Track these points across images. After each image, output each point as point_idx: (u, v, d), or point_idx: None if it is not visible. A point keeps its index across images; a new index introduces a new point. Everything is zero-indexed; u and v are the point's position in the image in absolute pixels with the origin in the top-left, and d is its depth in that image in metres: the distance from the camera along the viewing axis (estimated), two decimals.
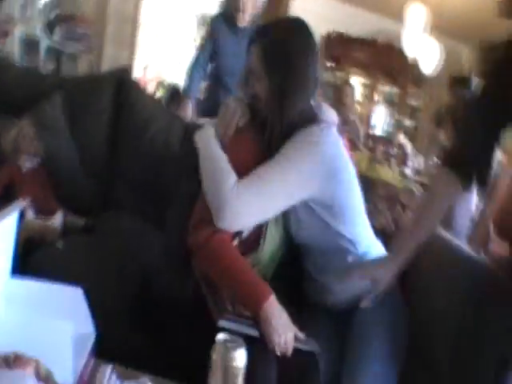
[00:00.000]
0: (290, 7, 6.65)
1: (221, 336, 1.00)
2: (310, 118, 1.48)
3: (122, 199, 2.05)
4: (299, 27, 1.52)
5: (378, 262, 1.51)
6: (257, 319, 1.35)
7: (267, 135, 1.49)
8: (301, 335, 1.37)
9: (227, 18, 3.24)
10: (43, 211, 1.76)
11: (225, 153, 1.47)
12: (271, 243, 1.54)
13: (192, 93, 3.39)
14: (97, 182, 2.08)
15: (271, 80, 1.47)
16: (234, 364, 0.98)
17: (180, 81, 4.38)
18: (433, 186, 1.55)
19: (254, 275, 1.41)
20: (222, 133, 1.51)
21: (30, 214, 1.73)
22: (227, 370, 0.98)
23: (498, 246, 2.59)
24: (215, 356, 0.98)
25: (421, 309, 1.63)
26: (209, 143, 1.49)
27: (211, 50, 3.27)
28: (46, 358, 0.90)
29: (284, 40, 1.48)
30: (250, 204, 1.39)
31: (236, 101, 1.56)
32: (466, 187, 1.45)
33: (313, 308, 1.59)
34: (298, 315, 1.44)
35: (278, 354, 1.34)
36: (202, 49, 3.33)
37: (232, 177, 1.41)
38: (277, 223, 1.54)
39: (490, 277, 1.49)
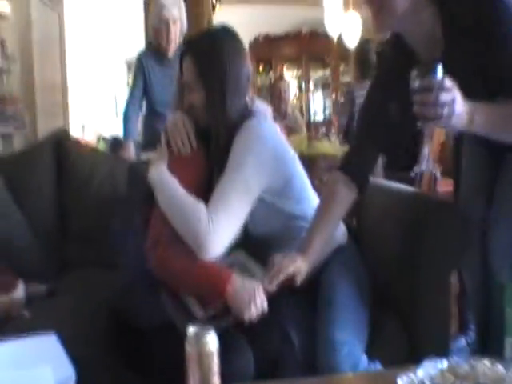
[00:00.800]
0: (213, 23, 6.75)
1: (191, 329, 1.04)
2: (247, 114, 1.55)
3: (79, 256, 2.09)
4: (225, 31, 1.60)
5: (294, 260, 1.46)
6: (226, 303, 1.39)
7: (213, 140, 1.55)
8: (269, 287, 1.40)
9: (155, 51, 3.30)
10: (4, 288, 1.78)
11: (175, 172, 1.51)
12: None
13: (132, 133, 3.42)
14: (52, 246, 2.11)
15: (208, 87, 1.53)
16: (207, 349, 1.02)
17: (118, 131, 4.38)
18: (333, 193, 1.56)
19: (212, 266, 1.46)
20: (177, 149, 1.55)
21: None
22: (202, 356, 1.02)
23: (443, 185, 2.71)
24: (189, 348, 1.03)
25: (372, 241, 1.78)
26: (164, 181, 1.52)
27: (143, 85, 3.31)
28: None
29: (213, 46, 1.54)
30: (226, 227, 1.45)
31: (179, 114, 1.60)
32: (362, 192, 1.55)
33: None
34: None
35: (255, 320, 1.38)
36: (134, 87, 3.35)
37: (201, 210, 1.45)
38: None
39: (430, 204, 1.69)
